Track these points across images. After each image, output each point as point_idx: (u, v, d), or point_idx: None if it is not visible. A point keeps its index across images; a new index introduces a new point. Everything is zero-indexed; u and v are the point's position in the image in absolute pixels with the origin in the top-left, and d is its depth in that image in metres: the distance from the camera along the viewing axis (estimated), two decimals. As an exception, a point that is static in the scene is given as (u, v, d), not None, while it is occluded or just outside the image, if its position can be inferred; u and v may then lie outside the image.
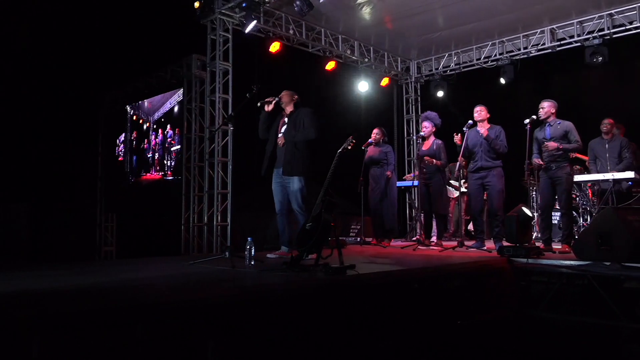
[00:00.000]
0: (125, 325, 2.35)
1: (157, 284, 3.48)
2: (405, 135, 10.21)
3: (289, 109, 5.15)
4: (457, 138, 6.05)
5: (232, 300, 2.81)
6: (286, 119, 5.11)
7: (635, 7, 7.35)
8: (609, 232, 4.24)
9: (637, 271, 4.01)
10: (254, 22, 7.02)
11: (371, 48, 9.14)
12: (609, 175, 6.08)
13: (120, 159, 10.22)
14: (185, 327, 2.53)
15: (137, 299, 2.75)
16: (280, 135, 5.09)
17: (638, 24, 7.36)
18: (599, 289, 4.17)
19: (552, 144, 5.48)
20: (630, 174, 5.99)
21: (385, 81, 9.69)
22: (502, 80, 8.65)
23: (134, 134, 9.84)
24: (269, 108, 5.11)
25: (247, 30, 7.04)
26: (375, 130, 7.10)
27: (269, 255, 4.89)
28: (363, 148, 6.98)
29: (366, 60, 9.06)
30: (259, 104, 5.08)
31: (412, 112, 10.18)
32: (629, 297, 4.10)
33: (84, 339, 2.22)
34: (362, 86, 9.31)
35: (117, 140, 10.28)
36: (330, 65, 8.58)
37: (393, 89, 10.33)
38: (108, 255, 9.91)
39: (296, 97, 5.21)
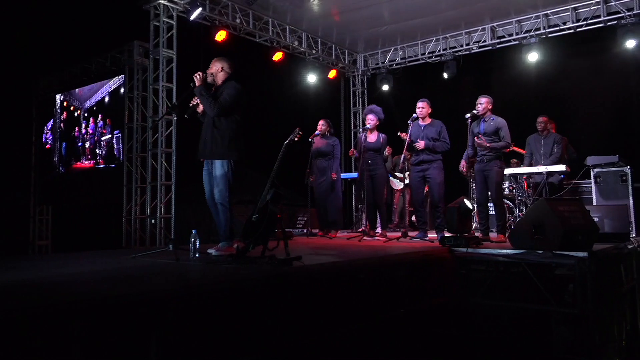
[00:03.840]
0: (61, 321, 2.24)
1: (96, 278, 3.34)
2: (352, 128, 10.32)
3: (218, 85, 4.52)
4: (402, 135, 6.21)
5: (176, 293, 2.75)
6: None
7: (568, 9, 7.78)
8: (541, 222, 4.46)
9: (567, 259, 4.25)
10: (199, 9, 6.85)
11: (319, 40, 9.14)
12: (542, 169, 6.43)
13: (47, 146, 9.76)
14: (127, 323, 2.45)
15: (73, 294, 2.63)
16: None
17: (571, 25, 7.80)
18: (532, 276, 4.40)
19: (484, 141, 5.68)
20: (561, 167, 6.36)
21: (332, 73, 9.74)
22: (445, 75, 8.91)
23: (64, 121, 9.42)
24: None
25: (192, 17, 6.86)
26: (320, 122, 7.09)
27: (209, 250, 4.47)
28: (310, 140, 6.98)
29: (314, 52, 9.06)
30: (191, 84, 4.45)
31: (359, 105, 10.30)
32: (559, 283, 4.35)
33: (15, 339, 2.10)
34: (310, 78, 9.30)
35: (45, 127, 9.80)
36: (278, 56, 8.52)
37: (340, 82, 10.41)
38: (43, 250, 9.46)
39: (229, 71, 4.48)
